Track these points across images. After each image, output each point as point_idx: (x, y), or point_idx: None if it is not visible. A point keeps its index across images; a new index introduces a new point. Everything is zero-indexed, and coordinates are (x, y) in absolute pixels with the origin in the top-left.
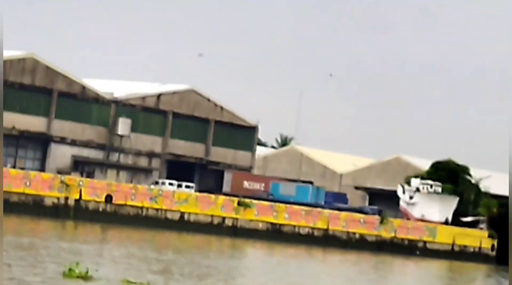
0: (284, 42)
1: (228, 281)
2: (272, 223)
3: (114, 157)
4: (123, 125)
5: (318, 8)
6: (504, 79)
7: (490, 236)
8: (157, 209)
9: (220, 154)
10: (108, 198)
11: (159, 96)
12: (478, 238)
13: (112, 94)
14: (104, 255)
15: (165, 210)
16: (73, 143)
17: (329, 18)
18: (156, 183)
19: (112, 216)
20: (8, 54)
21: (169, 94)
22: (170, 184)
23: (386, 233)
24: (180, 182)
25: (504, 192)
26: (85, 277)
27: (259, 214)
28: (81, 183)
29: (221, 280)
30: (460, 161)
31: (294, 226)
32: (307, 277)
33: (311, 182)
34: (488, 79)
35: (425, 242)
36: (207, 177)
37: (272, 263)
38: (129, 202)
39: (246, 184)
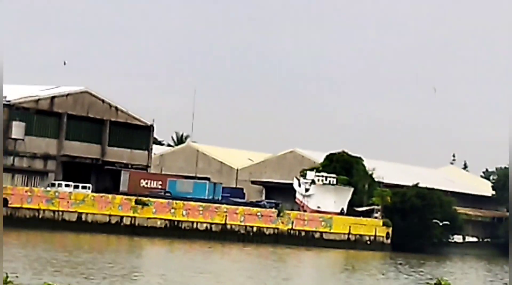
0: (177, 39)
1: (148, 280)
2: (170, 220)
3: (9, 160)
4: (17, 129)
5: (209, 5)
6: (392, 74)
7: (384, 224)
8: (53, 211)
9: (116, 154)
10: (4, 202)
11: (52, 98)
12: (373, 226)
13: (4, 98)
14: (12, 259)
15: (62, 211)
16: None
17: (220, 16)
18: (52, 185)
19: (8, 220)
20: None
21: (63, 96)
22: (67, 185)
23: (283, 226)
24: (76, 184)
25: (396, 181)
26: (5, 283)
27: (157, 211)
28: None
29: (139, 279)
30: (353, 152)
31: (192, 222)
32: (211, 272)
33: (208, 179)
34: (376, 74)
35: (321, 233)
36: (104, 178)
37: (176, 260)
38: (25, 205)
39: (143, 182)
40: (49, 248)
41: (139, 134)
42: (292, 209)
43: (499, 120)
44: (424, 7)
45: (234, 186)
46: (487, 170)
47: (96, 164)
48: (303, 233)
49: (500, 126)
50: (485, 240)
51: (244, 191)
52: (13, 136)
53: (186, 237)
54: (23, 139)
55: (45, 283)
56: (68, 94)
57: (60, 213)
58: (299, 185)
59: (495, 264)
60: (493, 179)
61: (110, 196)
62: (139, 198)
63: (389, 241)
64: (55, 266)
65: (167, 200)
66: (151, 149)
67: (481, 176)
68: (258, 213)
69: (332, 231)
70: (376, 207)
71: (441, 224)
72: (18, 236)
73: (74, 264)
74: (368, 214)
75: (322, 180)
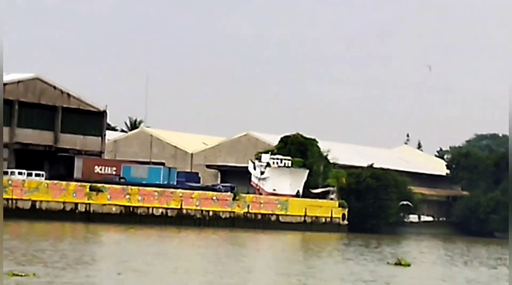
0: (129, 24)
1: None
2: (125, 206)
3: None
4: None
5: None
6: (344, 55)
7: (340, 205)
8: (7, 199)
9: (70, 140)
10: None
11: (3, 85)
12: (329, 208)
13: None
14: None
15: (16, 199)
16: None
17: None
18: (5, 173)
19: None
20: None
21: (13, 83)
22: (20, 173)
23: (239, 209)
24: (29, 171)
25: (351, 162)
26: None
27: (112, 198)
28: None
29: (98, 266)
30: (307, 134)
31: (148, 207)
32: (170, 257)
33: (162, 164)
34: (328, 55)
35: (277, 216)
36: (57, 165)
37: (134, 246)
38: None
39: (97, 169)
40: (5, 237)
41: (92, 120)
42: (248, 193)
43: (452, 99)
44: None
45: (189, 170)
46: (441, 149)
47: (49, 151)
48: (259, 216)
49: (453, 105)
50: (440, 219)
51: (199, 175)
52: None
53: (142, 223)
54: None
55: (9, 272)
56: (19, 81)
57: (14, 201)
58: (254, 168)
59: (451, 243)
60: (447, 158)
61: (64, 183)
62: (94, 184)
63: (345, 222)
64: (14, 254)
65: (121, 186)
66: (105, 135)
67: (435, 156)
68: (214, 197)
69: (288, 213)
70: (331, 188)
71: (405, 203)
72: None
73: (33, 252)
74: (323, 195)
75: (277, 163)
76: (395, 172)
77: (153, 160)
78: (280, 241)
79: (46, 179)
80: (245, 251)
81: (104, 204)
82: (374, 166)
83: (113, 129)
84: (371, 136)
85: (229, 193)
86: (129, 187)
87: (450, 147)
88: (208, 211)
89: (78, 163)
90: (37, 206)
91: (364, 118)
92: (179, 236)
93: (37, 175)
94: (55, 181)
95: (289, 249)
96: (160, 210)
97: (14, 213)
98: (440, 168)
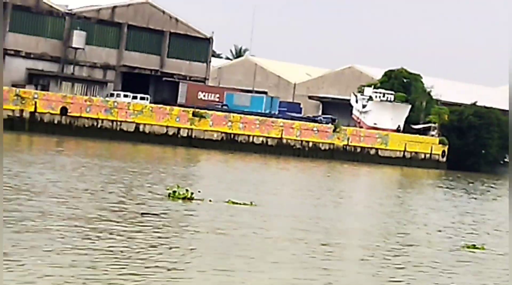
0: None
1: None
2: (226, 133)
3: (69, 69)
4: (78, 38)
5: None
6: None
7: (440, 142)
8: (112, 121)
9: (175, 65)
10: (63, 110)
11: (114, 8)
12: (429, 144)
13: (66, 7)
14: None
15: (120, 121)
16: (28, 56)
17: None
18: (111, 95)
19: (67, 128)
20: None
21: (124, 6)
22: (125, 95)
23: (339, 141)
24: (135, 94)
25: (455, 99)
26: (189, 198)
27: (214, 124)
28: (36, 95)
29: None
30: (412, 69)
31: (248, 135)
32: (263, 181)
33: (265, 92)
34: None
35: (377, 150)
36: (162, 89)
37: (234, 171)
38: (84, 114)
39: (200, 95)
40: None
41: (198, 46)
42: (348, 125)
43: None
44: None
45: (291, 100)
46: None
47: (154, 75)
48: (358, 150)
49: None
50: None
51: (301, 106)
52: (74, 45)
53: (242, 150)
54: (83, 49)
55: (229, 200)
56: (129, 4)
57: (119, 123)
58: (356, 101)
59: None
60: None
61: (168, 107)
62: (197, 110)
63: (444, 159)
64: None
65: (224, 113)
66: (210, 61)
67: None
68: (314, 128)
69: (387, 148)
70: (432, 125)
71: None
72: (76, 145)
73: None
74: (424, 132)
75: (380, 97)
76: (499, 111)
77: (256, 89)
78: (378, 174)
79: (150, 102)
80: (341, 182)
81: (206, 130)
82: (478, 104)
83: (218, 56)
84: (477, 73)
85: (329, 125)
86: (231, 114)
87: None
88: (308, 142)
89: (182, 88)
90: (141, 129)
91: (470, 56)
92: (277, 165)
93: (142, 98)
94: (159, 105)
95: (387, 182)
96: (261, 139)
97: (118, 134)
98: None
